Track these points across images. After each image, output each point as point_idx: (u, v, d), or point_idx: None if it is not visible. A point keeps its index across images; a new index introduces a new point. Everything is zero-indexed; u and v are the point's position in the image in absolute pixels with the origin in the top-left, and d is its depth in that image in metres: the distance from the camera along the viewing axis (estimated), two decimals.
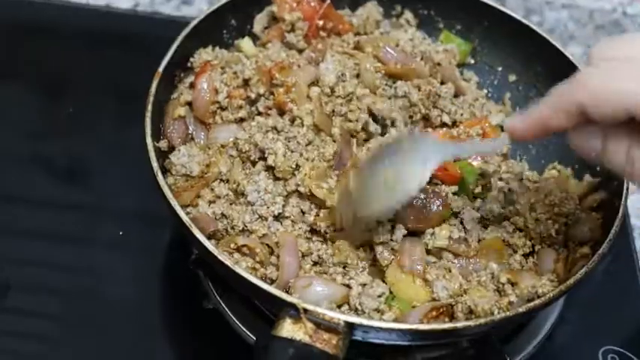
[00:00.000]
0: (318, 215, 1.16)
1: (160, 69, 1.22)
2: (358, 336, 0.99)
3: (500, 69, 1.45)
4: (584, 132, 0.88)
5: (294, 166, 1.16)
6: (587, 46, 1.88)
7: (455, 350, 1.20)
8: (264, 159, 1.17)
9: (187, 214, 1.08)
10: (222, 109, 1.25)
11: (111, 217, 1.39)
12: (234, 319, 1.22)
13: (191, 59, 1.31)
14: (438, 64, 1.36)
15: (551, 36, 1.39)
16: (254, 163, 1.20)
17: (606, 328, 1.32)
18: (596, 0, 1.84)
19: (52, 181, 1.44)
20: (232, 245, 1.10)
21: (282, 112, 1.24)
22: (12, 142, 1.49)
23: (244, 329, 1.22)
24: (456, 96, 1.37)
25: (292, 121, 1.22)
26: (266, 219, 1.14)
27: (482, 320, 0.99)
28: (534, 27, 1.40)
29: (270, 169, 1.17)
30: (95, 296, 1.29)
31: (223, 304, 1.24)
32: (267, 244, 1.12)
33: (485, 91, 1.47)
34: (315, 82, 1.27)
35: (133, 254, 1.35)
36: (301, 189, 1.16)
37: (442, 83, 1.36)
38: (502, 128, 1.32)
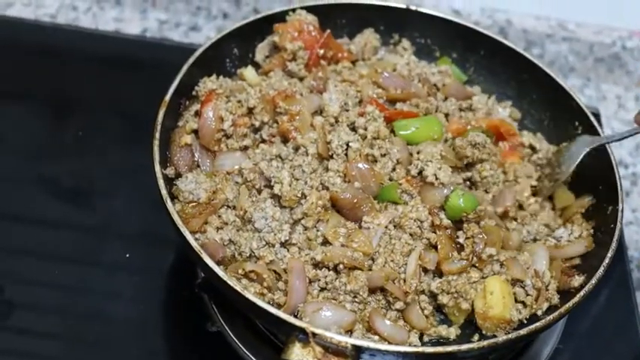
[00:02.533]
0: (325, 245, 1.19)
1: (167, 98, 1.25)
2: (365, 359, 1.02)
3: (494, 96, 1.49)
4: None
5: (300, 195, 1.18)
6: (587, 78, 1.92)
7: None
8: (270, 187, 1.20)
9: (196, 240, 1.11)
10: (228, 136, 1.28)
11: (116, 239, 1.41)
12: (237, 342, 1.24)
13: (196, 88, 1.34)
14: (435, 85, 1.41)
15: (551, 68, 1.43)
16: (260, 191, 1.22)
17: (603, 357, 1.36)
18: (596, 34, 1.88)
19: (58, 202, 1.46)
20: (240, 271, 1.13)
21: (285, 140, 1.27)
22: (20, 163, 1.51)
23: (248, 353, 1.24)
24: (461, 109, 1.43)
25: (296, 149, 1.25)
26: (273, 245, 1.16)
27: (484, 343, 1.03)
28: (529, 56, 1.45)
29: (276, 196, 1.20)
30: (99, 317, 1.30)
31: (227, 328, 1.26)
32: (274, 270, 1.15)
33: None
34: (318, 112, 1.30)
35: (138, 276, 1.36)
36: (308, 223, 1.18)
37: (446, 99, 1.42)
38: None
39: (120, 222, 1.44)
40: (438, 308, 1.20)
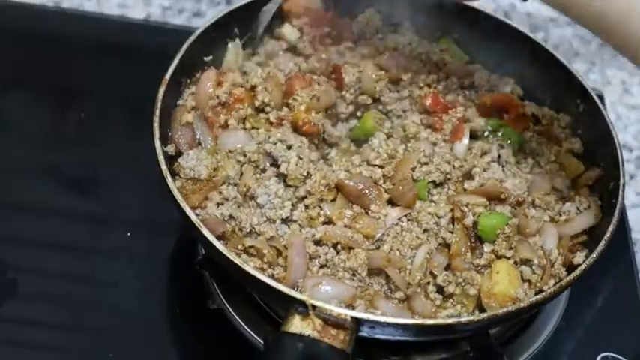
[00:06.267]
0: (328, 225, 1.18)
1: (167, 76, 1.25)
2: (365, 332, 1.01)
3: (496, 75, 1.47)
4: None
5: (305, 174, 1.18)
6: (591, 62, 1.91)
7: (455, 353, 1.23)
8: (277, 166, 1.20)
9: (196, 215, 1.10)
10: (223, 105, 1.28)
11: (119, 223, 1.41)
12: (237, 318, 1.25)
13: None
14: (436, 64, 1.41)
15: (555, 52, 1.43)
16: (263, 170, 1.22)
17: (605, 334, 1.35)
18: None
19: (60, 189, 1.46)
20: (240, 246, 1.12)
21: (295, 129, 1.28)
22: (22, 151, 1.51)
23: (247, 329, 1.24)
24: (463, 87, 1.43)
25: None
26: (274, 222, 1.16)
27: (484, 315, 1.02)
28: (532, 36, 1.45)
29: (280, 175, 1.20)
30: (103, 300, 1.31)
31: (227, 305, 1.26)
32: (274, 247, 1.14)
33: None
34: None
35: (140, 258, 1.37)
36: (308, 201, 1.18)
37: (447, 78, 1.42)
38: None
39: (122, 208, 1.43)
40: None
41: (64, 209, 1.43)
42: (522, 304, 1.04)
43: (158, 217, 1.41)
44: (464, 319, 1.03)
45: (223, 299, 1.26)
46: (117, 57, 1.73)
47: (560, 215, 1.24)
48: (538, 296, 1.05)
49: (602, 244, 1.10)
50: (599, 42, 1.89)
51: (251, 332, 1.23)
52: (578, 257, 1.19)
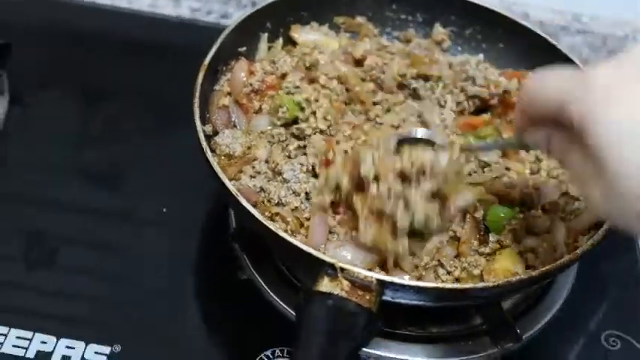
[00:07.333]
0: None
1: (206, 62, 1.34)
2: (388, 295, 1.09)
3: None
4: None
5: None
6: None
7: (468, 325, 1.32)
8: (303, 146, 1.29)
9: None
10: (256, 92, 1.37)
11: (152, 203, 1.49)
12: (266, 288, 1.33)
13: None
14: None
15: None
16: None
17: (609, 314, 1.42)
18: (610, 27, 1.96)
19: (90, 184, 1.53)
20: (267, 213, 1.21)
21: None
22: (52, 149, 1.58)
23: (274, 296, 1.33)
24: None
25: None
26: (299, 195, 1.24)
27: (499, 281, 1.10)
28: (547, 37, 1.53)
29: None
30: (134, 273, 1.39)
31: (257, 275, 1.35)
32: (297, 217, 1.22)
33: None
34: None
35: (172, 232, 1.45)
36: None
37: None
38: None
39: (156, 199, 1.49)
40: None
41: (92, 204, 1.49)
42: (534, 274, 1.11)
43: (189, 206, 1.49)
44: (480, 285, 1.10)
45: (253, 270, 1.35)
46: (148, 53, 1.82)
47: (571, 214, 1.28)
48: (548, 267, 1.11)
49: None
50: (607, 50, 1.97)
51: (279, 301, 1.31)
52: (581, 241, 1.23)
